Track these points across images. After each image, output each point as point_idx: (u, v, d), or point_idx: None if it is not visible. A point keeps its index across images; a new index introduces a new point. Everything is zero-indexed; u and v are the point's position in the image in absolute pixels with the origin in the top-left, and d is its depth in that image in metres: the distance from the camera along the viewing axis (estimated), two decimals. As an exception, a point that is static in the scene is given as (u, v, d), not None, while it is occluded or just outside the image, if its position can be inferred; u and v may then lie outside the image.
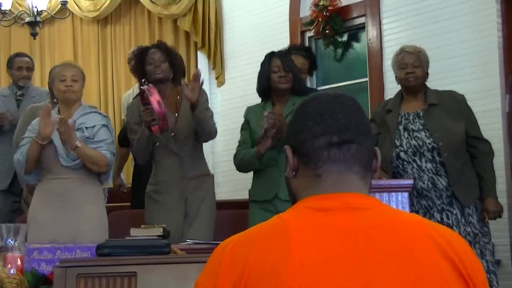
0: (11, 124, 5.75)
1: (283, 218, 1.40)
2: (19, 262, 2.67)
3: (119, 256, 2.60)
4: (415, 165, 4.30)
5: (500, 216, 4.37)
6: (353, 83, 6.78)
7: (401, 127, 4.39)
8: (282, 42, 7.17)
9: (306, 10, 6.99)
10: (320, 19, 6.73)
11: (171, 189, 4.58)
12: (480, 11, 5.67)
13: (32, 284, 2.64)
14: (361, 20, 6.70)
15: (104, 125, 4.46)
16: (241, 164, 4.63)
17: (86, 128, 4.38)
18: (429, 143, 4.28)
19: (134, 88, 6.20)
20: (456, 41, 5.75)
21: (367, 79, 6.60)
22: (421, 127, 4.34)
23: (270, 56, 4.66)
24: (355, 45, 6.94)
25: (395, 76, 4.51)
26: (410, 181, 4.00)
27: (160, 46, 4.76)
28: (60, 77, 4.38)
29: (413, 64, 4.41)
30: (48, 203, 4.31)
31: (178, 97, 4.67)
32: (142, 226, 4.09)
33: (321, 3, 6.70)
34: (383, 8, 6.46)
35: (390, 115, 4.43)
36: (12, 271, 2.60)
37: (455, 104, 4.40)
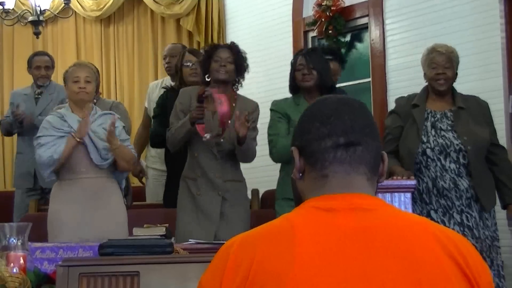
0: (31, 123, 5.77)
1: (289, 218, 1.41)
2: (21, 261, 2.67)
3: (121, 256, 2.60)
4: (439, 163, 4.28)
5: None
6: (355, 84, 6.77)
7: (428, 124, 4.37)
8: (285, 42, 7.18)
9: (309, 10, 6.99)
10: (323, 19, 6.73)
11: (209, 186, 4.53)
12: (483, 12, 5.66)
13: (35, 283, 2.64)
14: (364, 20, 6.70)
15: (123, 126, 4.55)
16: (283, 150, 4.43)
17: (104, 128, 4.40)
18: (456, 144, 4.27)
19: (164, 80, 6.21)
20: (459, 41, 5.74)
21: (369, 79, 6.60)
22: (449, 128, 4.34)
23: (298, 53, 4.77)
24: (358, 45, 6.94)
25: (424, 73, 4.48)
26: (413, 182, 4.00)
27: (231, 47, 4.68)
28: (74, 78, 4.39)
29: (444, 65, 4.39)
30: (76, 202, 4.32)
31: (234, 104, 4.58)
32: (145, 225, 4.09)
33: (324, 3, 6.70)
34: (386, 9, 6.45)
35: (417, 110, 4.41)
36: (14, 270, 2.60)
37: (480, 110, 4.43)
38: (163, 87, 5.70)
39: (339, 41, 6.80)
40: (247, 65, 4.69)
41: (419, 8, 6.15)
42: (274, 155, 4.65)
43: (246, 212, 4.68)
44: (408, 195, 3.91)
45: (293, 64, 4.73)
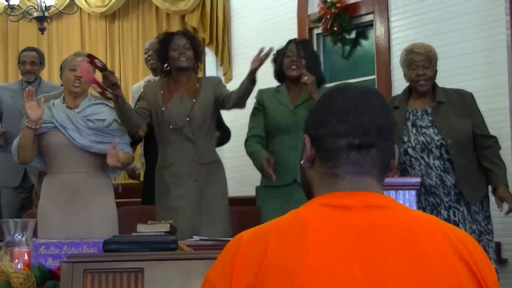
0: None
1: (299, 214, 1.40)
2: (26, 257, 2.67)
3: (126, 252, 2.60)
4: (422, 161, 4.29)
5: None
6: (360, 81, 6.76)
7: (409, 123, 4.38)
8: (289, 38, 7.16)
9: (314, 7, 6.99)
10: (328, 16, 6.72)
11: (183, 172, 4.53)
12: (488, 9, 5.66)
13: (39, 279, 2.64)
14: (369, 17, 6.69)
15: (114, 120, 4.39)
16: (250, 156, 4.66)
17: (96, 120, 4.31)
18: (437, 140, 4.27)
19: (146, 80, 6.22)
20: (464, 39, 5.74)
21: (374, 76, 6.59)
22: (429, 124, 4.33)
23: (290, 41, 4.78)
24: (363, 42, 6.93)
25: (404, 73, 4.49)
26: (418, 179, 3.99)
27: (186, 33, 4.75)
28: (71, 66, 4.32)
29: (424, 65, 4.38)
30: (60, 197, 4.24)
31: (198, 85, 4.63)
32: (149, 222, 4.09)
33: (329, 0, 6.70)
34: (391, 6, 6.45)
35: (397, 111, 4.42)
36: (19, 266, 2.60)
37: (462, 102, 4.39)
38: (146, 81, 5.77)
39: (344, 38, 6.80)
40: (203, 49, 4.74)
41: (424, 5, 6.15)
42: (246, 149, 4.72)
43: (224, 196, 4.68)
44: (413, 192, 3.90)
45: (283, 51, 4.74)
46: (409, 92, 4.51)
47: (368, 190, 1.43)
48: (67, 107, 4.34)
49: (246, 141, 4.71)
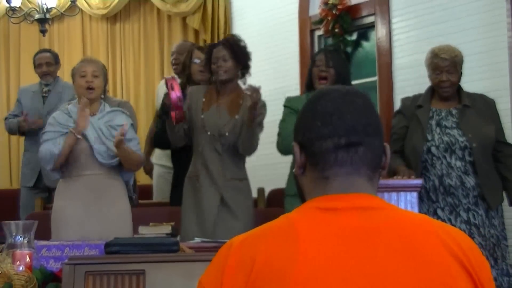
0: (39, 126, 5.79)
1: (290, 217, 1.40)
2: (27, 259, 2.68)
3: (127, 254, 2.60)
4: (444, 161, 4.27)
5: None
6: (362, 82, 6.76)
7: (433, 122, 4.37)
8: (291, 40, 7.18)
9: (315, 9, 6.98)
10: (329, 18, 6.72)
11: (210, 184, 4.50)
12: (490, 10, 5.65)
13: (41, 281, 2.64)
14: (370, 19, 6.69)
15: (131, 124, 4.50)
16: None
17: (117, 126, 4.37)
18: (461, 142, 4.26)
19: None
20: (466, 40, 5.73)
21: (376, 78, 6.59)
22: (454, 125, 4.32)
23: (320, 50, 4.80)
24: (365, 44, 6.93)
25: (428, 75, 4.46)
26: (419, 181, 3.99)
27: (226, 43, 4.66)
28: (81, 72, 4.37)
29: (448, 70, 4.36)
30: (80, 199, 4.30)
31: (241, 101, 4.56)
32: (150, 224, 4.10)
33: (330, 2, 6.69)
34: (392, 7, 6.45)
35: (421, 110, 4.41)
36: (21, 268, 2.61)
37: (486, 107, 4.41)
38: None
39: (346, 40, 6.80)
40: (248, 54, 4.66)
41: (425, 7, 6.14)
42: (281, 147, 4.60)
43: (247, 212, 4.58)
44: (414, 194, 3.90)
45: (313, 60, 4.73)
46: (432, 91, 4.49)
47: (359, 192, 1.43)
48: None
49: (281, 138, 4.59)
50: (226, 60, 4.53)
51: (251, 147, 4.49)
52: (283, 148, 4.60)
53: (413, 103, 4.46)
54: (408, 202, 3.82)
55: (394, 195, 3.81)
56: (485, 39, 5.67)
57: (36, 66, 6.23)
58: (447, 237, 1.37)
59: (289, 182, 4.63)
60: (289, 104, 4.70)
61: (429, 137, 4.32)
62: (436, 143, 4.30)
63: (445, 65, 4.35)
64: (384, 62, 6.46)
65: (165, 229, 3.98)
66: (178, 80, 4.65)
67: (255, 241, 1.36)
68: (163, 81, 6.44)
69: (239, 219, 4.46)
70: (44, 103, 6.08)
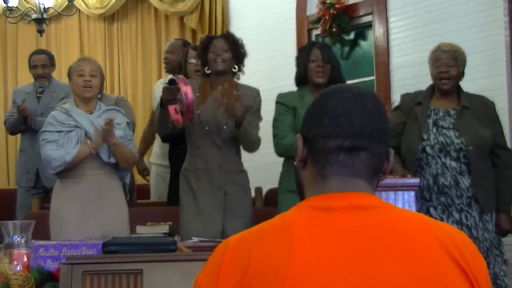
0: (34, 119, 5.79)
1: (286, 217, 1.40)
2: (25, 259, 2.68)
3: (125, 254, 2.60)
4: (439, 161, 4.25)
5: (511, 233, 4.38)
6: (359, 81, 6.76)
7: (430, 121, 4.35)
8: (288, 40, 7.18)
9: (313, 8, 6.98)
10: (327, 17, 6.72)
11: (208, 178, 4.50)
12: (487, 10, 5.65)
13: (38, 281, 2.64)
14: (368, 18, 6.69)
15: (127, 122, 4.51)
16: (290, 149, 4.27)
17: (116, 124, 4.36)
18: (457, 143, 4.24)
19: (169, 77, 6.21)
20: (463, 39, 5.72)
21: (373, 77, 6.59)
22: (451, 126, 4.31)
23: (311, 45, 4.75)
24: (362, 43, 6.93)
25: (430, 73, 4.47)
26: (417, 180, 3.98)
27: (227, 36, 4.71)
28: (79, 71, 4.37)
29: (448, 63, 4.35)
30: (79, 199, 4.30)
31: (235, 92, 4.56)
32: (148, 223, 4.10)
33: (328, 1, 6.69)
34: (390, 6, 6.45)
35: (420, 107, 4.39)
36: (18, 268, 2.60)
37: (485, 110, 4.39)
38: (165, 83, 5.71)
39: (343, 39, 6.80)
40: (245, 51, 4.68)
41: (423, 6, 6.15)
42: (279, 149, 4.59)
43: (248, 205, 4.63)
44: (412, 193, 3.90)
45: (306, 55, 4.67)
46: (433, 90, 4.48)
47: (356, 191, 1.42)
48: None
49: (278, 140, 4.58)
50: (226, 50, 4.55)
51: (253, 143, 4.54)
52: (279, 153, 4.62)
53: (413, 100, 4.45)
54: (405, 201, 3.82)
55: (391, 194, 3.81)
56: (482, 38, 5.67)
57: (32, 67, 6.19)
58: (444, 236, 1.36)
59: (282, 179, 4.62)
60: (281, 100, 4.69)
61: (425, 136, 4.31)
62: (431, 143, 4.28)
63: (445, 57, 4.35)
64: (382, 62, 6.46)
65: (163, 228, 3.98)
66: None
67: (251, 240, 1.36)
68: (160, 81, 6.44)
69: (239, 217, 4.46)
70: (39, 102, 6.06)
